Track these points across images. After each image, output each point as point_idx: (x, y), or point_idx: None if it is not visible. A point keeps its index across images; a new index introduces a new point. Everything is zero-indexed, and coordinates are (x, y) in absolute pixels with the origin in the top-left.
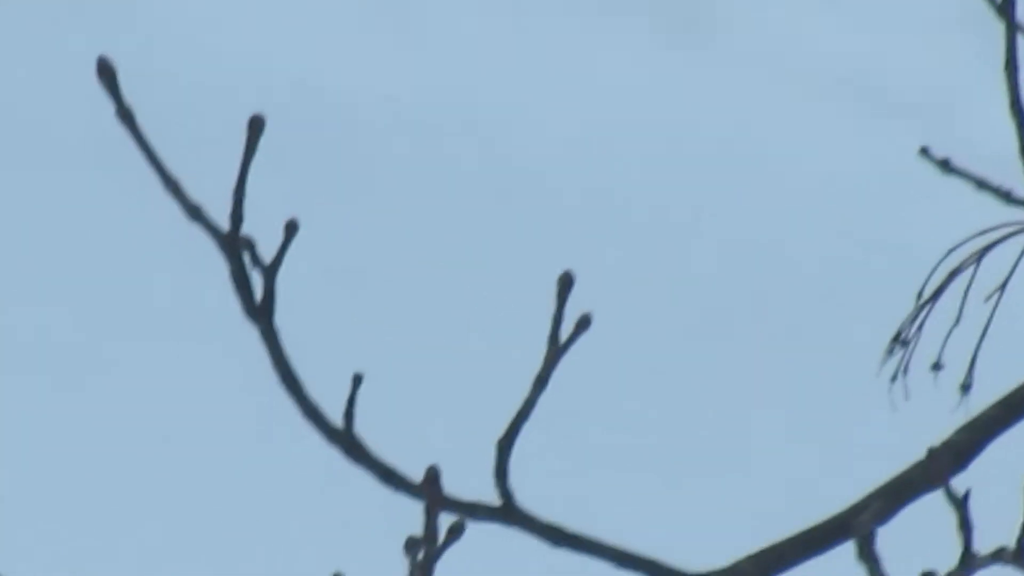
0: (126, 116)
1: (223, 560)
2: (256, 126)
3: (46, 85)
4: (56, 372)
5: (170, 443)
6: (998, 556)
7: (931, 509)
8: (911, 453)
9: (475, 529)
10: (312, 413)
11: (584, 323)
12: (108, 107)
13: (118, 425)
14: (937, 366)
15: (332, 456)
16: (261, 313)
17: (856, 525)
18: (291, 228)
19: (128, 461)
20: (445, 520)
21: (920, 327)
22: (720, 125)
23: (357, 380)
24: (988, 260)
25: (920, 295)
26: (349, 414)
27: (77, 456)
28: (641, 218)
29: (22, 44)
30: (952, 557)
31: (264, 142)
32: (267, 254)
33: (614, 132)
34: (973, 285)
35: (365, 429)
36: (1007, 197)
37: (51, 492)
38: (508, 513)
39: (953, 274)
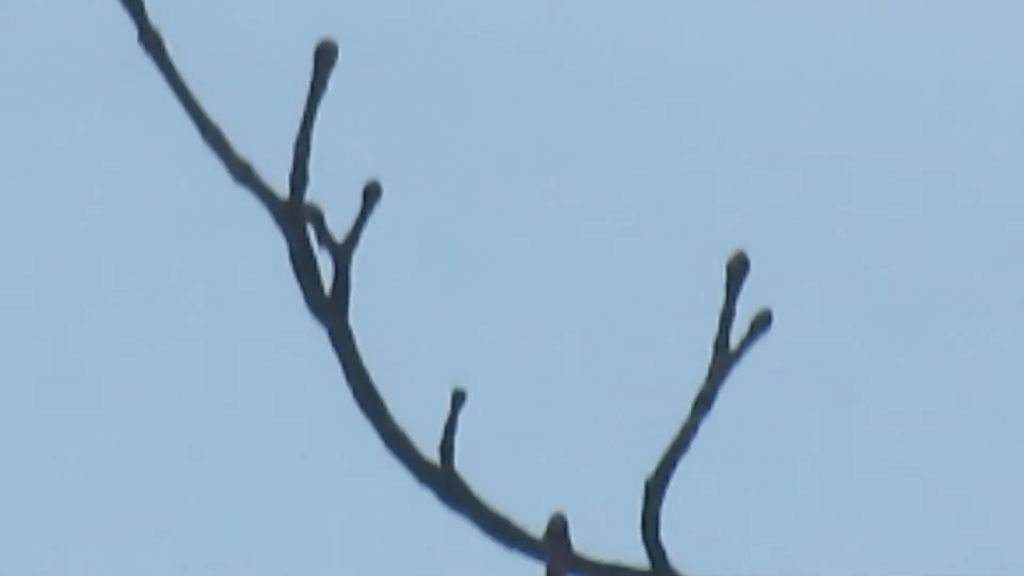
0: (152, 42)
1: None
2: (325, 57)
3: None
4: (76, 384)
5: (203, 475)
6: None
7: None
8: None
9: None
10: (398, 441)
11: (763, 322)
12: (130, 30)
13: (127, 446)
14: None
15: (423, 499)
16: (331, 307)
17: None
18: (372, 193)
19: (141, 492)
20: None
21: None
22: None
23: (458, 399)
24: None
25: None
26: (447, 445)
27: (94, 472)
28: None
29: None
30: None
31: (336, 79)
32: (339, 229)
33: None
34: None
35: (466, 464)
36: None
37: (86, 507)
38: None
39: None
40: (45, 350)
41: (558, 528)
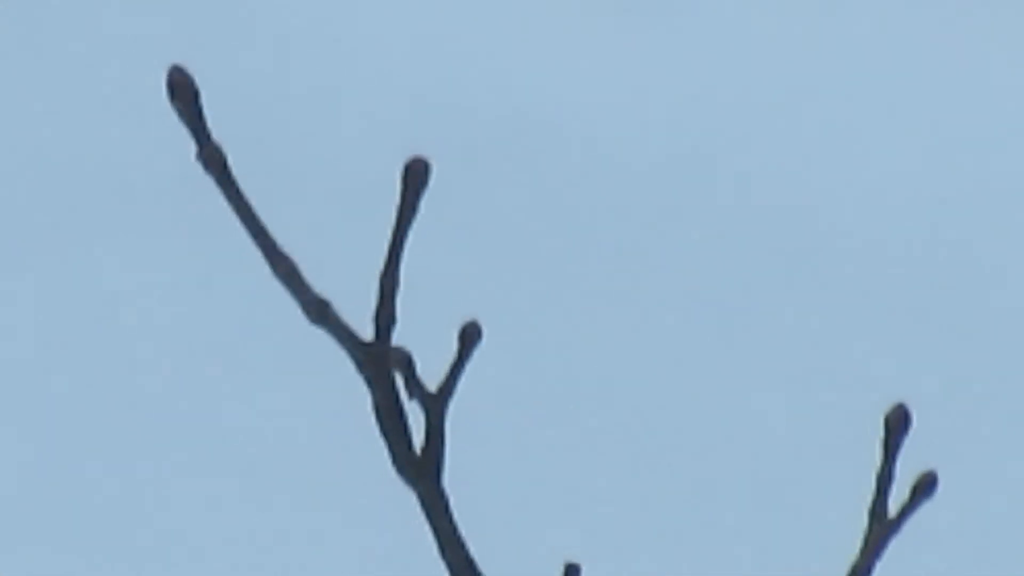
0: (213, 158)
1: None
2: (415, 176)
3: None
4: (158, 547)
5: None
6: None
7: None
8: None
9: None
10: None
11: (926, 486)
12: (186, 144)
13: None
14: None
15: None
16: (422, 466)
17: None
18: (469, 336)
19: None
20: None
21: None
22: None
23: (571, 574)
24: None
25: None
26: None
27: None
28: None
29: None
30: None
31: (428, 202)
32: (431, 377)
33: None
34: None
35: None
36: None
37: None
38: None
39: None
40: (122, 509)
41: None
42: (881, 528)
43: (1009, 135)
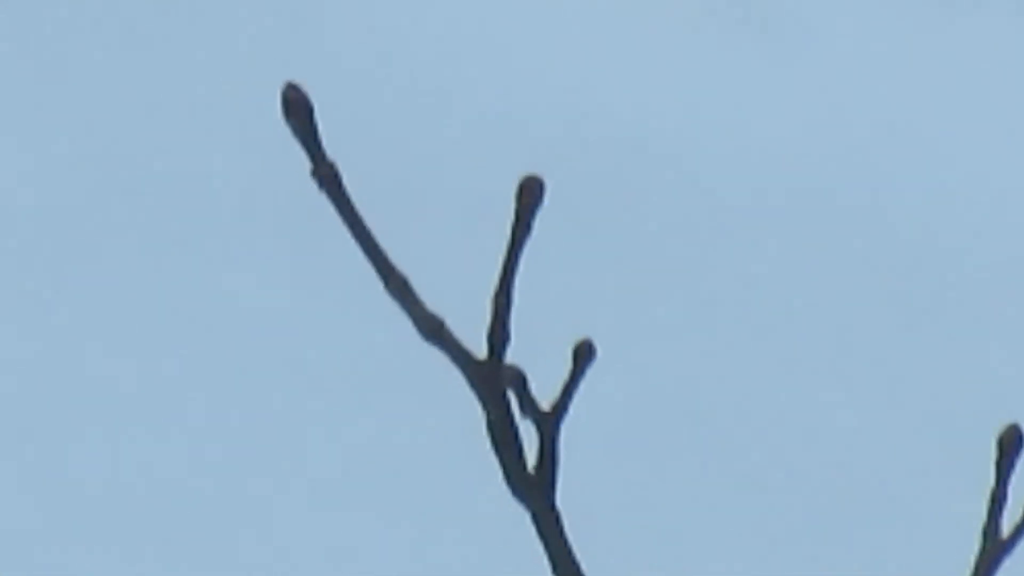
0: (328, 176)
1: None
2: (530, 194)
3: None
4: (264, 551)
5: None
6: None
7: None
8: None
9: None
10: None
11: None
12: (300, 161)
13: None
14: None
15: None
16: (535, 484)
17: None
18: (583, 354)
19: None
20: None
21: None
22: None
23: None
24: None
25: None
26: None
27: None
28: None
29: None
30: None
31: (542, 220)
32: (545, 395)
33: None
34: None
35: None
36: None
37: None
38: None
39: None
40: (237, 524)
41: None
42: (994, 548)
43: None
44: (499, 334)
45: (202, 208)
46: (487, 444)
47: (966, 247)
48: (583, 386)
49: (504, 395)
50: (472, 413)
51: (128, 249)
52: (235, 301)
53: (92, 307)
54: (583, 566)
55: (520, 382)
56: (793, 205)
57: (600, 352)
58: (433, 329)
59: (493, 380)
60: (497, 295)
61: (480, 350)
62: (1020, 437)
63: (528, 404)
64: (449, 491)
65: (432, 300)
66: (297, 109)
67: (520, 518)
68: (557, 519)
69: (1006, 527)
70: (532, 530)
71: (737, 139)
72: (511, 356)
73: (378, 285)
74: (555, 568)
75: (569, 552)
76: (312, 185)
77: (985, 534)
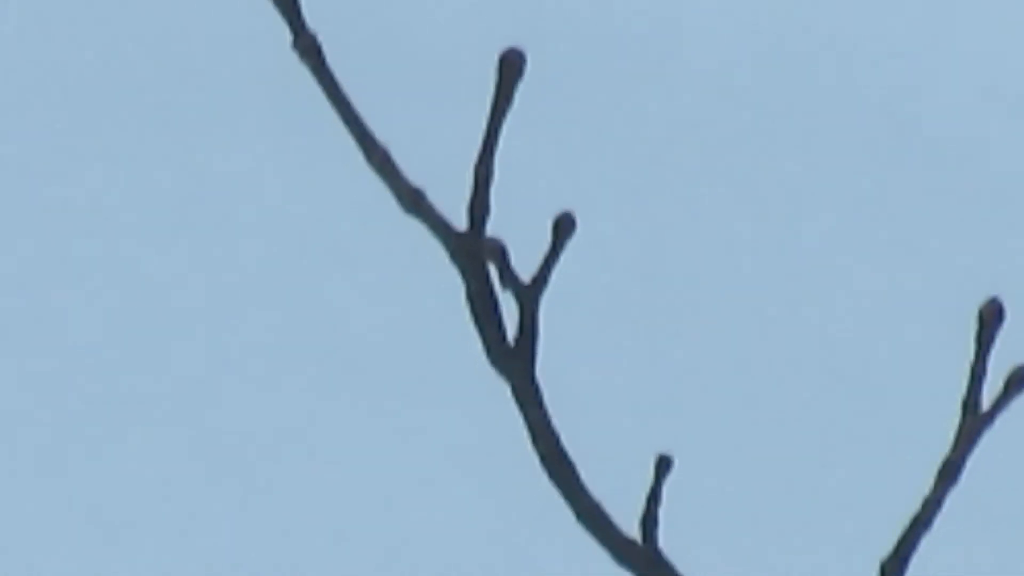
0: (308, 47)
1: None
2: (511, 68)
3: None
4: (243, 445)
5: (376, 551)
6: None
7: None
8: None
9: None
10: (591, 514)
11: (1019, 380)
12: (282, 36)
13: (305, 531)
14: None
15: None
16: (515, 356)
17: None
18: (563, 227)
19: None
20: None
21: None
22: None
23: (663, 466)
24: None
25: None
26: (650, 518)
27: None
28: None
29: None
30: None
31: (522, 94)
32: (525, 267)
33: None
34: None
35: (670, 539)
36: None
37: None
38: None
39: None
40: (210, 406)
41: None
42: (974, 421)
43: None
44: (480, 206)
45: (184, 82)
46: (467, 316)
47: (944, 117)
48: (563, 259)
49: (484, 267)
50: (453, 286)
51: (113, 124)
52: (216, 176)
53: (82, 187)
54: (561, 437)
55: (500, 254)
56: (764, 69)
57: (581, 225)
58: (414, 201)
59: (474, 252)
60: (478, 167)
61: (461, 223)
62: (1000, 310)
63: (508, 277)
64: (429, 364)
65: (413, 173)
66: None
67: (500, 389)
68: (536, 391)
69: (986, 400)
70: (512, 402)
71: (701, 13)
72: (492, 229)
73: (359, 158)
74: (534, 439)
75: (548, 424)
76: (293, 57)
77: (965, 407)
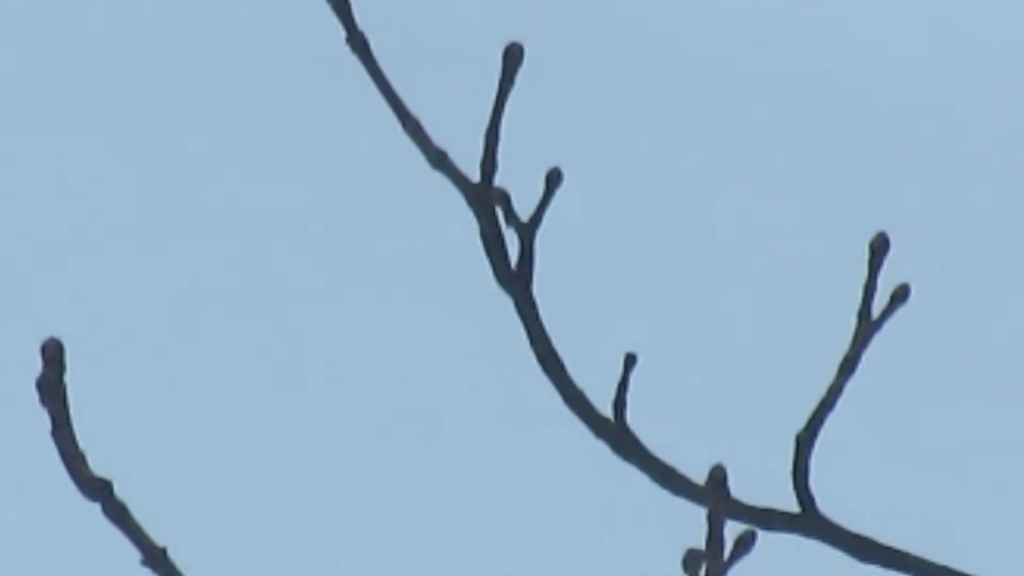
0: (359, 43)
1: (473, 561)
2: (512, 58)
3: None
4: (294, 366)
5: (409, 426)
6: None
7: None
8: None
9: (768, 540)
10: (576, 399)
11: (901, 295)
12: (336, 32)
13: (344, 409)
14: None
15: (599, 450)
16: (517, 279)
17: None
18: (553, 179)
19: (362, 447)
20: (733, 529)
21: None
22: None
23: (630, 361)
24: None
25: None
26: (620, 402)
27: (303, 446)
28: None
29: None
30: None
31: (523, 76)
32: (525, 210)
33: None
34: None
35: (636, 419)
36: None
37: (273, 483)
38: (808, 521)
39: None
40: (259, 337)
41: (719, 477)
42: (866, 327)
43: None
44: (489, 163)
45: (257, 68)
46: (480, 248)
47: (849, 80)
48: (554, 203)
49: (493, 211)
50: (469, 225)
51: (179, 101)
52: (286, 139)
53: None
54: (552, 340)
55: (505, 200)
56: (737, 50)
57: (567, 177)
58: (439, 160)
59: (485, 199)
60: (488, 133)
61: (475, 176)
62: (886, 242)
63: (511, 217)
64: (452, 284)
65: (439, 137)
66: None
67: (505, 306)
68: (533, 306)
69: (875, 311)
70: (515, 315)
71: None
72: (499, 180)
73: (397, 126)
74: (532, 343)
75: (543, 331)
76: (346, 50)
77: (860, 316)
